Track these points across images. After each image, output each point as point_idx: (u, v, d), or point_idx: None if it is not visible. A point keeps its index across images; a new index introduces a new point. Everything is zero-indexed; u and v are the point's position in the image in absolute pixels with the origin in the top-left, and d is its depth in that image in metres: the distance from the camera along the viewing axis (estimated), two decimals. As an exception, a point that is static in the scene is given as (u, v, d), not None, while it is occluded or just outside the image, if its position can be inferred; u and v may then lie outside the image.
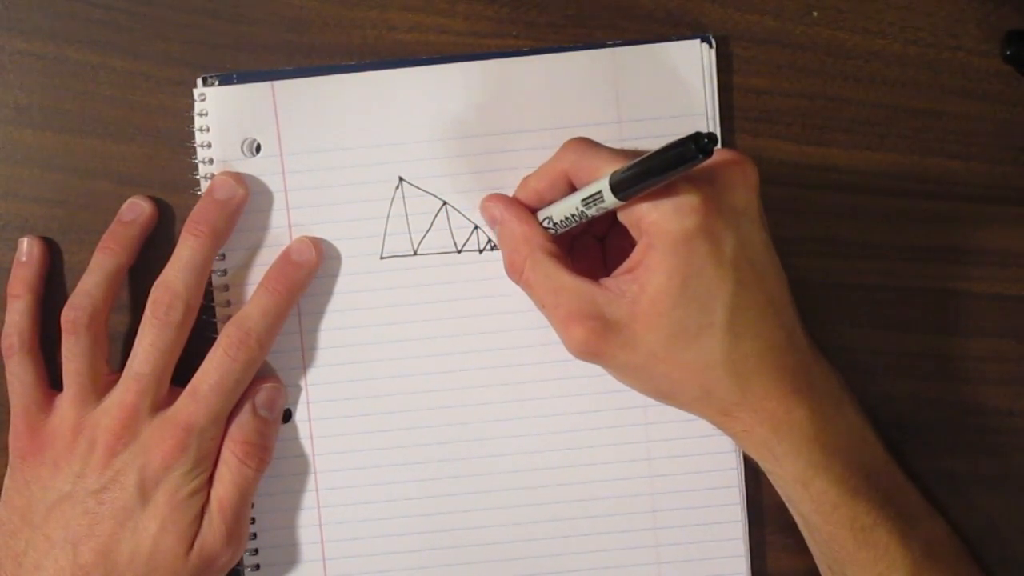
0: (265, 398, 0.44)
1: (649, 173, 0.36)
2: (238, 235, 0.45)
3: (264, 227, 0.45)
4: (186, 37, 0.45)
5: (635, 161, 0.37)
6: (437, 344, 0.45)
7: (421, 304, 0.45)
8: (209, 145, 0.45)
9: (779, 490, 0.41)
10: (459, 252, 0.45)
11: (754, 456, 0.41)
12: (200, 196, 0.44)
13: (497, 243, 0.43)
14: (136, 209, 0.44)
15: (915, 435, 0.46)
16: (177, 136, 0.45)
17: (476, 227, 0.45)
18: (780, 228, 0.45)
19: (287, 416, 0.45)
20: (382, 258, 0.45)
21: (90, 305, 0.42)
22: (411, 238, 0.45)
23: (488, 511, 0.45)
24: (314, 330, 0.45)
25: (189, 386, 0.42)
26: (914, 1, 0.45)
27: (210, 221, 0.43)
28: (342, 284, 0.45)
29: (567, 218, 0.40)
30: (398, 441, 0.45)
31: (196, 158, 0.45)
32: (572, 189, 0.41)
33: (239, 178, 0.44)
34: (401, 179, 0.45)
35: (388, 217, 0.45)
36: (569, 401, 0.45)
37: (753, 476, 0.45)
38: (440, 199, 0.45)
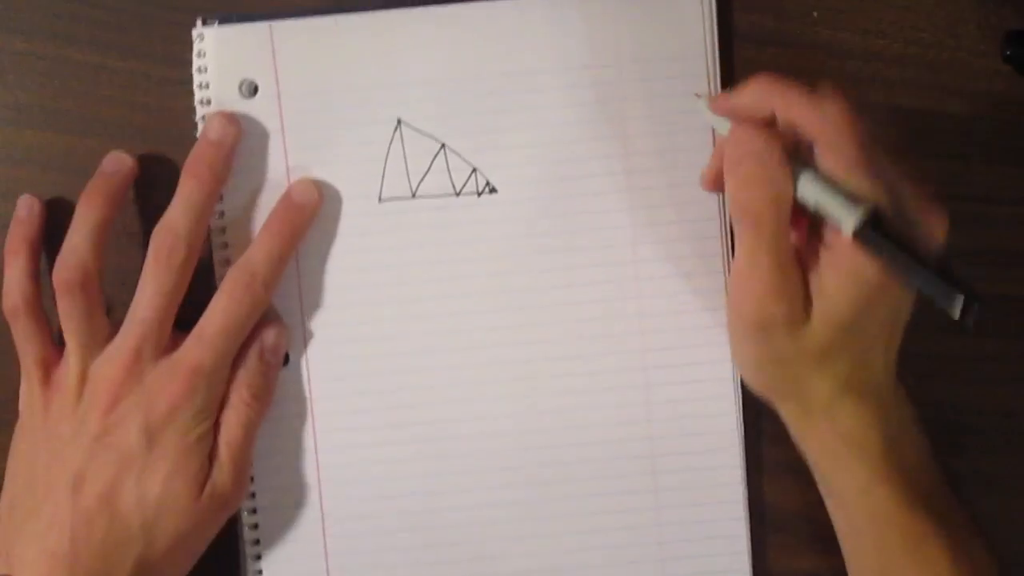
0: (272, 343, 0.44)
1: (895, 267, 0.36)
2: (235, 177, 0.44)
3: (261, 169, 0.45)
4: (186, 37, 0.45)
5: (901, 246, 0.36)
6: (435, 286, 0.45)
7: (419, 246, 0.45)
8: (207, 86, 0.45)
9: (827, 491, 0.42)
10: (457, 195, 0.45)
11: (813, 460, 0.41)
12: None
13: (732, 171, 0.39)
14: (117, 162, 0.44)
15: (915, 435, 0.46)
16: (177, 136, 0.45)
17: (475, 170, 0.45)
18: (780, 228, 0.45)
19: (285, 359, 0.45)
20: (380, 200, 0.45)
21: (80, 263, 0.42)
22: (409, 180, 0.45)
23: (488, 454, 0.45)
24: (312, 273, 0.45)
25: (195, 329, 0.42)
26: (914, 1, 0.45)
27: (206, 161, 0.43)
28: (340, 227, 0.45)
29: (813, 191, 0.38)
30: (396, 384, 0.45)
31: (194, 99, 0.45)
32: (806, 146, 0.39)
33: (232, 117, 0.44)
34: (400, 121, 0.45)
35: (386, 159, 0.45)
36: (567, 346, 0.45)
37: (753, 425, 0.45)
38: (439, 141, 0.45)
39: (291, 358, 0.45)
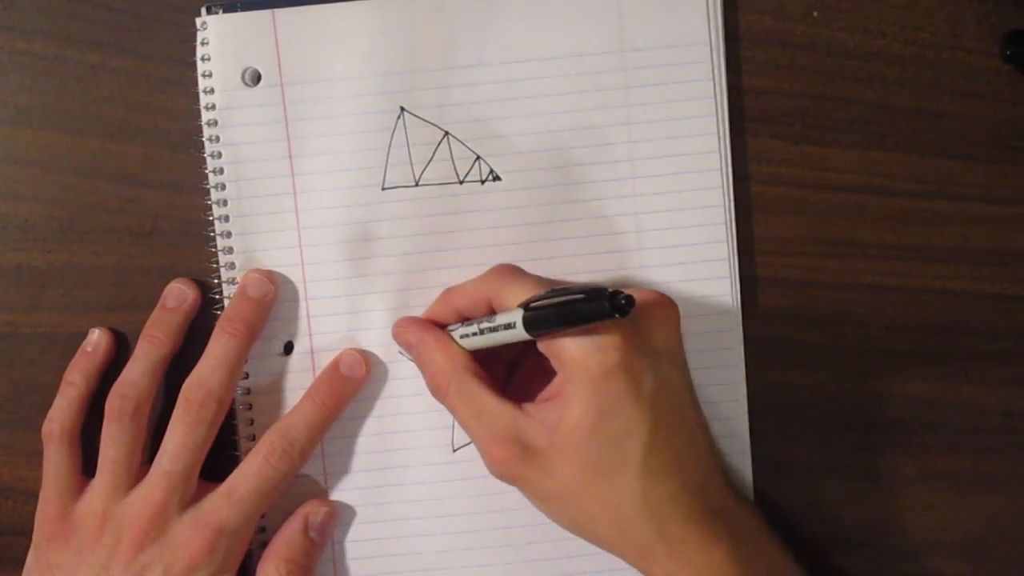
0: (319, 522, 0.44)
1: (562, 320, 0.37)
2: (237, 165, 0.44)
3: (264, 158, 0.45)
4: (186, 37, 0.45)
5: (550, 302, 0.37)
6: (438, 275, 0.45)
7: (423, 235, 0.45)
8: (210, 75, 0.44)
9: None
10: (461, 183, 0.45)
11: None
12: (203, 142, 0.44)
13: (416, 365, 0.43)
14: (179, 295, 0.45)
15: (915, 435, 0.46)
16: (177, 136, 0.45)
17: (478, 157, 0.45)
18: (780, 228, 0.46)
19: (288, 348, 0.45)
20: (384, 189, 0.45)
21: (135, 395, 0.43)
22: (413, 169, 0.45)
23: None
24: (316, 262, 0.45)
25: (224, 486, 0.42)
26: (914, 1, 0.45)
27: (245, 319, 0.43)
28: (344, 215, 0.45)
29: (481, 341, 0.40)
30: (399, 373, 0.45)
31: (196, 88, 0.45)
32: (492, 311, 0.41)
33: (271, 275, 0.44)
34: (403, 109, 0.45)
35: (390, 148, 0.45)
36: None
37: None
38: (442, 129, 0.45)
39: (296, 348, 0.45)
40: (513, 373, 0.44)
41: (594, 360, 0.37)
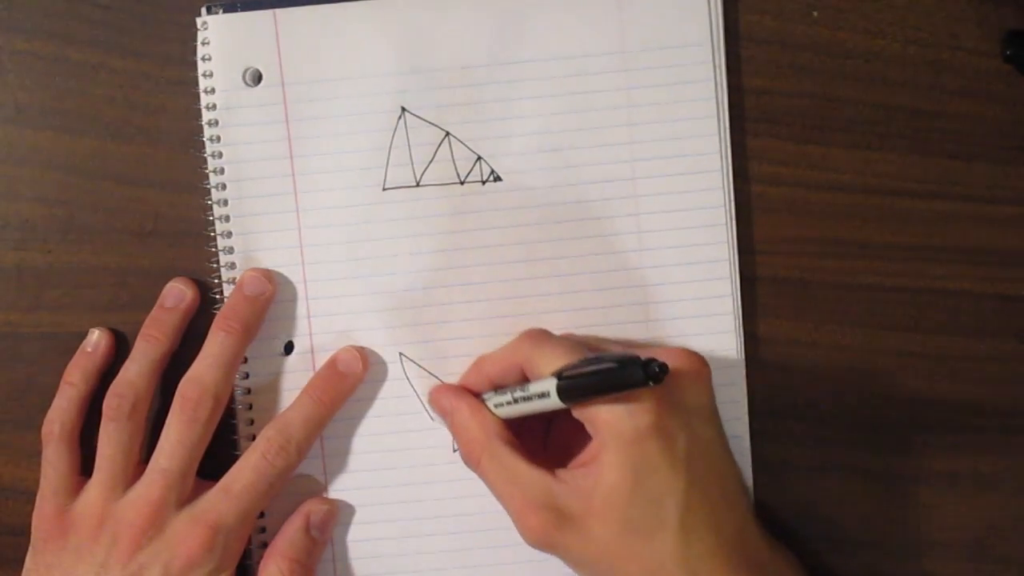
0: (320, 520, 0.44)
1: (596, 390, 0.38)
2: (237, 165, 0.44)
3: (265, 158, 0.45)
4: (186, 37, 0.45)
5: (584, 372, 0.38)
6: (439, 275, 0.45)
7: (424, 235, 0.45)
8: (210, 75, 0.44)
9: None
10: (462, 183, 0.45)
11: None
12: (205, 142, 0.44)
13: (450, 432, 0.43)
14: (178, 295, 0.45)
15: (915, 435, 0.46)
16: (177, 136, 0.45)
17: (479, 158, 0.45)
18: (780, 228, 0.46)
19: (288, 348, 0.45)
20: (384, 189, 0.45)
21: (133, 394, 0.43)
22: (414, 169, 0.45)
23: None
24: (316, 262, 0.45)
25: (221, 483, 0.43)
26: (914, 1, 0.45)
27: (241, 317, 0.43)
28: (344, 215, 0.45)
29: (516, 410, 0.41)
30: (398, 373, 0.45)
31: (197, 87, 0.45)
32: (525, 377, 0.41)
33: (268, 274, 0.44)
34: (404, 109, 0.45)
35: (390, 148, 0.45)
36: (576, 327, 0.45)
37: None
38: (443, 130, 0.45)
39: (296, 347, 0.45)
40: (549, 432, 0.44)
41: (628, 424, 0.38)
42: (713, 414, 0.41)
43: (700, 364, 0.40)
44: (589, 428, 0.39)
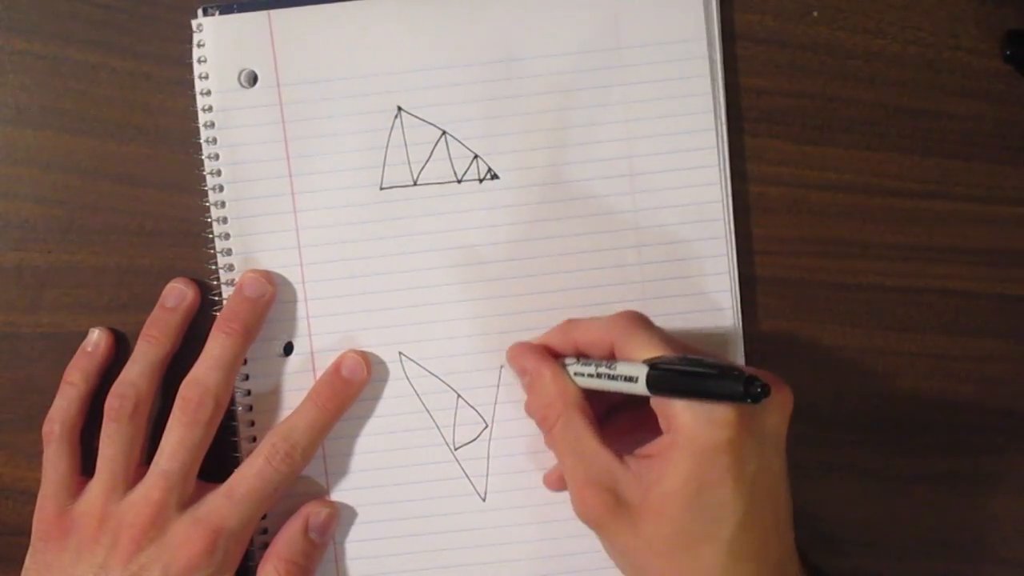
0: (320, 523, 0.44)
1: (689, 391, 0.37)
2: (235, 166, 0.44)
3: (262, 159, 0.45)
4: (186, 37, 0.45)
5: (679, 369, 0.37)
6: (437, 274, 0.45)
7: (422, 234, 0.45)
8: (206, 77, 0.44)
9: None
10: (459, 182, 0.45)
11: None
12: (200, 143, 0.44)
13: (525, 391, 0.43)
14: (178, 295, 0.45)
15: (915, 435, 0.46)
16: (177, 136, 0.45)
17: (476, 156, 0.45)
18: (780, 228, 0.46)
19: (288, 349, 0.45)
20: (382, 189, 0.45)
21: (134, 394, 0.43)
22: (411, 168, 0.45)
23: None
24: (315, 262, 0.45)
25: (224, 486, 0.43)
26: (914, 1, 0.45)
27: (241, 319, 0.43)
28: (342, 215, 0.45)
29: (597, 384, 0.40)
30: (399, 373, 0.45)
31: (193, 89, 0.45)
32: (611, 354, 0.41)
33: (268, 275, 0.44)
34: (400, 108, 0.45)
35: (387, 147, 0.45)
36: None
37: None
38: (439, 128, 0.45)
39: (296, 348, 0.45)
40: (611, 416, 0.44)
41: (706, 433, 0.37)
42: (784, 444, 0.40)
43: (788, 394, 0.40)
44: (663, 424, 0.39)
